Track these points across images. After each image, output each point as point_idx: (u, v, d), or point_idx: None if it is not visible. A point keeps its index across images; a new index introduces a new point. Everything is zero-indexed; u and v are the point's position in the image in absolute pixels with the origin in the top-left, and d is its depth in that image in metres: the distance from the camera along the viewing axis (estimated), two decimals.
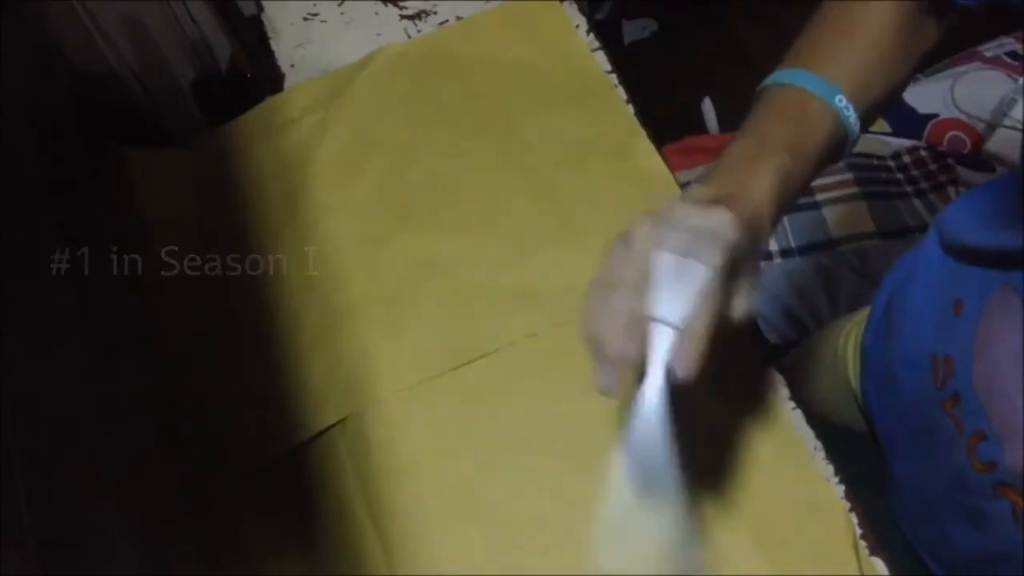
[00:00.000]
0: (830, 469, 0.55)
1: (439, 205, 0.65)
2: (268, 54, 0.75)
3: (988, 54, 1.32)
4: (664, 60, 1.63)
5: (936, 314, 0.53)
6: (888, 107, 0.50)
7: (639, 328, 0.38)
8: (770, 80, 0.48)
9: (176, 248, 0.66)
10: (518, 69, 0.70)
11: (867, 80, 0.47)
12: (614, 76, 0.70)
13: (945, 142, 1.28)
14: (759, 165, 0.43)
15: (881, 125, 1.31)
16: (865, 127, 0.48)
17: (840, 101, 0.46)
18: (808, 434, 0.56)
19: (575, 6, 0.73)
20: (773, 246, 1.21)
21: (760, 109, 0.47)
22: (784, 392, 0.58)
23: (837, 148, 0.48)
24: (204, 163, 0.70)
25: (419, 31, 0.74)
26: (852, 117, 0.47)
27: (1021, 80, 1.27)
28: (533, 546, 0.54)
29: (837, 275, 1.17)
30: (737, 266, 0.39)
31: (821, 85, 0.46)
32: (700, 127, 1.48)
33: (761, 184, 0.42)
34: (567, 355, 0.59)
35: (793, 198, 0.45)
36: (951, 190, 1.21)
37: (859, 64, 0.47)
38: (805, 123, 0.46)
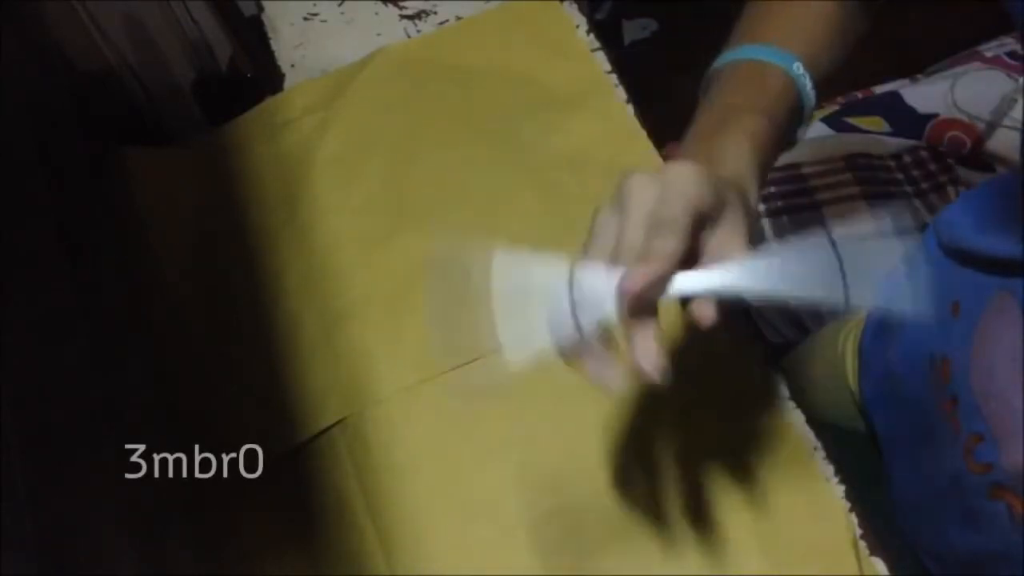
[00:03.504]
0: (830, 469, 0.55)
1: (439, 205, 0.65)
2: (268, 54, 0.75)
3: (988, 54, 1.32)
4: (664, 60, 1.63)
5: (934, 316, 0.53)
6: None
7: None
8: (726, 58, 0.48)
9: (176, 248, 0.66)
10: (518, 69, 0.70)
11: (818, 55, 0.48)
12: (614, 76, 0.70)
13: (945, 142, 1.27)
14: (729, 129, 0.43)
15: (881, 125, 1.31)
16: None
17: (797, 68, 0.46)
18: (808, 434, 0.56)
19: (575, 6, 0.73)
20: None
21: (717, 84, 0.47)
22: (784, 392, 0.58)
23: (796, 117, 0.47)
24: (204, 163, 0.70)
25: (419, 31, 0.74)
26: (808, 84, 0.47)
27: (1021, 80, 1.27)
28: (533, 546, 0.54)
29: None
30: (715, 216, 0.37)
31: (776, 54, 0.47)
32: None
33: (737, 145, 0.42)
34: None
35: (769, 158, 0.44)
36: (951, 190, 1.21)
37: (811, 38, 0.48)
38: (764, 87, 0.46)
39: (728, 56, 0.48)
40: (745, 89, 0.46)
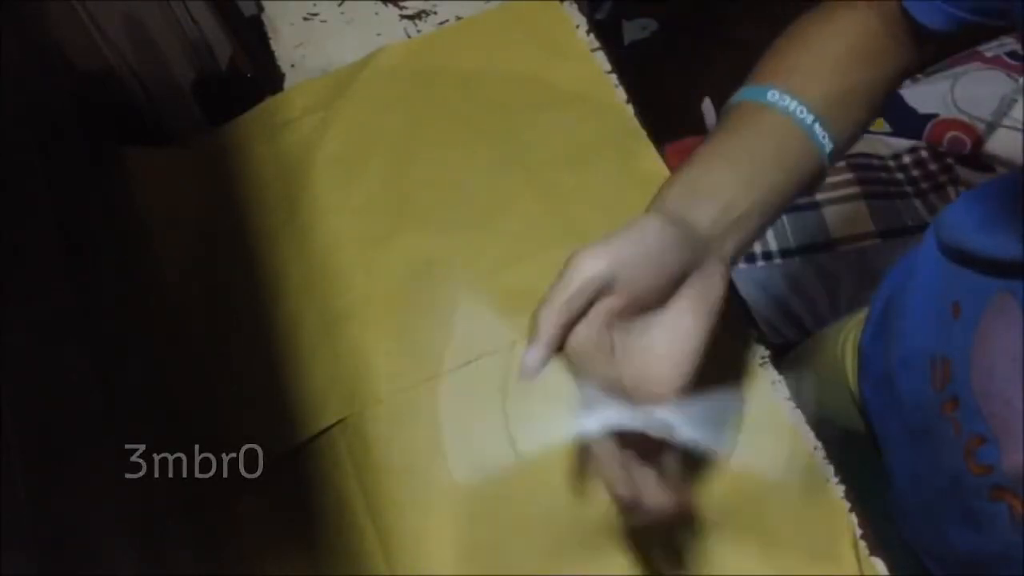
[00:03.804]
0: (830, 469, 0.55)
1: (439, 205, 0.65)
2: (268, 54, 0.75)
3: (988, 54, 1.32)
4: (664, 60, 1.63)
5: (934, 316, 0.53)
6: (869, 116, 0.50)
7: None
8: (734, 99, 0.48)
9: (176, 248, 0.66)
10: (518, 69, 0.70)
11: (834, 93, 0.46)
12: (614, 76, 0.70)
13: (945, 142, 1.28)
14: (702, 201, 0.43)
15: (881, 125, 1.31)
16: (839, 130, 0.47)
17: (772, 96, 0.46)
18: (808, 434, 0.56)
19: (575, 6, 0.73)
20: (773, 246, 1.21)
21: (720, 129, 0.47)
22: (784, 392, 0.58)
23: (787, 140, 0.46)
24: (204, 163, 0.70)
25: (419, 31, 0.74)
26: (791, 105, 0.45)
27: (1021, 80, 1.27)
28: (533, 546, 0.54)
29: (837, 275, 1.17)
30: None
31: (753, 91, 0.46)
32: (700, 127, 1.49)
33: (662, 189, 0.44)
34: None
35: (703, 172, 0.44)
36: (951, 190, 1.21)
37: (806, 69, 0.47)
38: (729, 121, 0.46)
39: (739, 95, 0.48)
40: (738, 140, 0.46)
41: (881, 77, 0.48)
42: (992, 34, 1.32)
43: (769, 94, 0.46)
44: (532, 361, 0.39)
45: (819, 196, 1.23)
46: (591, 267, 0.39)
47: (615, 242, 0.40)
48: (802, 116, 0.45)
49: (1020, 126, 1.24)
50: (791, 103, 0.45)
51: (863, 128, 0.50)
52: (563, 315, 0.39)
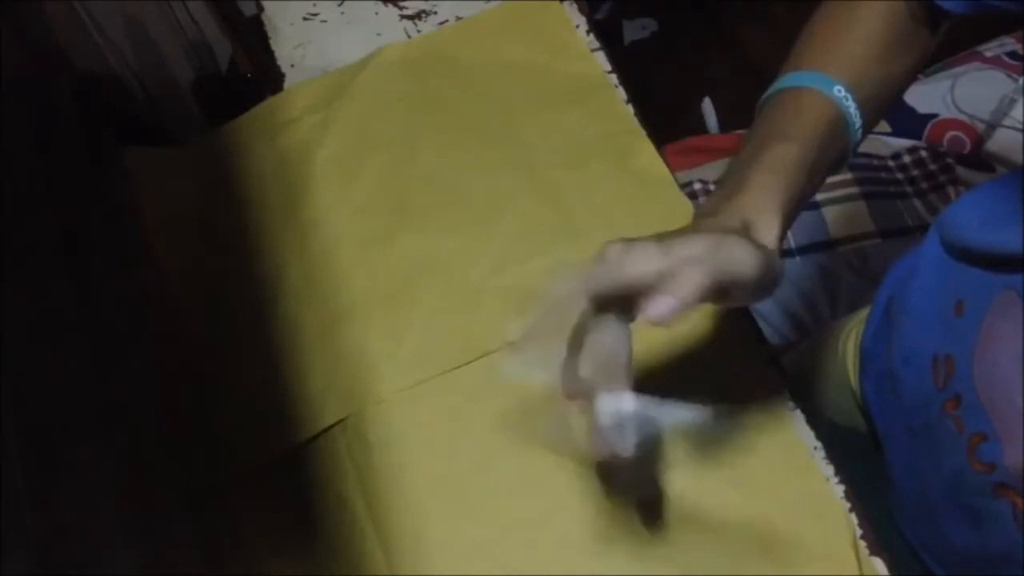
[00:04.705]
0: (830, 469, 0.55)
1: (439, 205, 0.65)
2: (268, 54, 0.75)
3: (988, 54, 1.32)
4: (664, 60, 1.63)
5: (937, 314, 0.53)
6: (888, 109, 0.50)
7: None
8: (770, 90, 0.48)
9: (176, 248, 0.66)
10: (518, 69, 0.70)
11: (863, 74, 0.47)
12: (614, 76, 0.70)
13: (945, 142, 1.28)
14: (753, 166, 0.43)
15: (881, 125, 1.31)
16: (868, 124, 0.48)
17: (838, 92, 0.46)
18: (808, 434, 0.56)
19: (575, 6, 0.73)
20: None
21: (759, 116, 0.48)
22: (784, 392, 0.58)
23: (841, 143, 0.47)
24: (204, 163, 0.70)
25: (419, 31, 0.74)
26: (851, 105, 0.46)
27: (1021, 80, 1.27)
28: (532, 546, 0.54)
29: (837, 275, 1.17)
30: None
31: (815, 79, 0.47)
32: (700, 127, 1.49)
33: (759, 186, 0.43)
34: None
35: (798, 184, 0.44)
36: (951, 190, 1.21)
37: (854, 58, 0.48)
38: (800, 113, 0.46)
39: (772, 87, 0.48)
40: (780, 118, 0.46)
41: (907, 65, 0.50)
42: (993, 31, 1.32)
43: (836, 88, 0.46)
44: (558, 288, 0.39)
45: (819, 196, 1.22)
46: (644, 267, 0.37)
47: (675, 246, 0.38)
48: (853, 113, 0.46)
49: (1020, 126, 1.24)
50: (848, 100, 0.46)
51: (879, 119, 0.51)
52: (589, 296, 0.39)
